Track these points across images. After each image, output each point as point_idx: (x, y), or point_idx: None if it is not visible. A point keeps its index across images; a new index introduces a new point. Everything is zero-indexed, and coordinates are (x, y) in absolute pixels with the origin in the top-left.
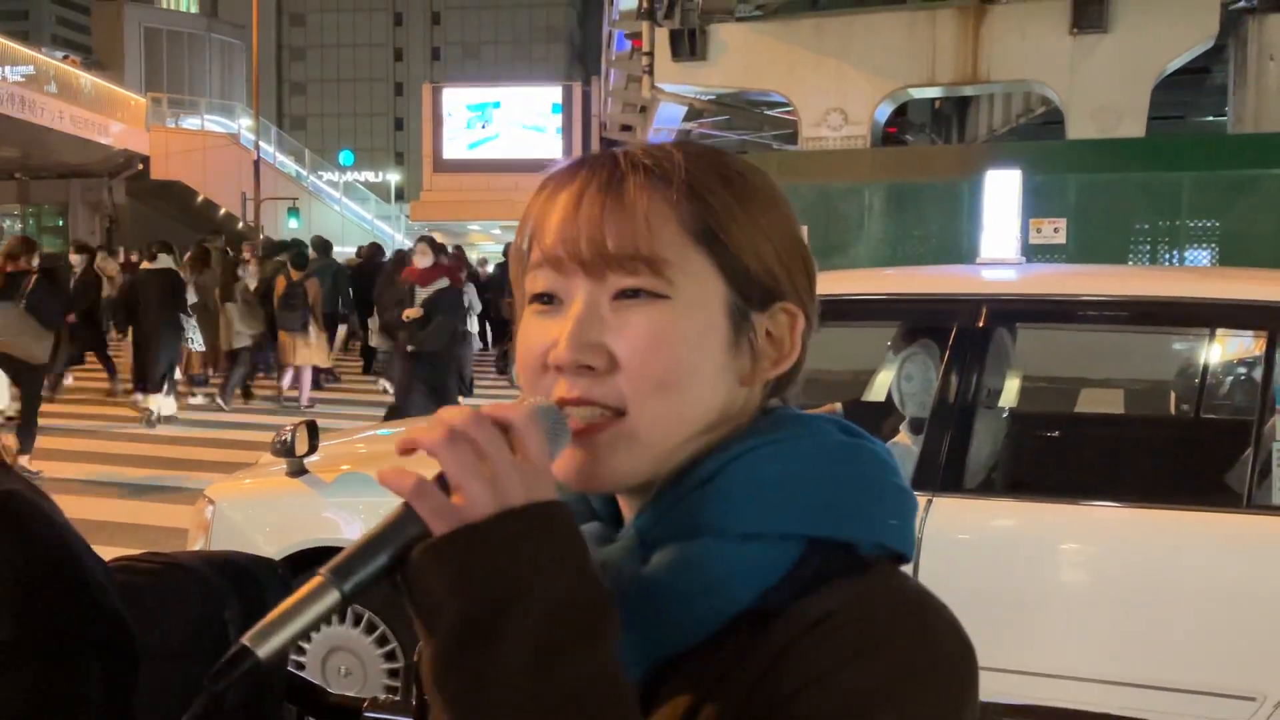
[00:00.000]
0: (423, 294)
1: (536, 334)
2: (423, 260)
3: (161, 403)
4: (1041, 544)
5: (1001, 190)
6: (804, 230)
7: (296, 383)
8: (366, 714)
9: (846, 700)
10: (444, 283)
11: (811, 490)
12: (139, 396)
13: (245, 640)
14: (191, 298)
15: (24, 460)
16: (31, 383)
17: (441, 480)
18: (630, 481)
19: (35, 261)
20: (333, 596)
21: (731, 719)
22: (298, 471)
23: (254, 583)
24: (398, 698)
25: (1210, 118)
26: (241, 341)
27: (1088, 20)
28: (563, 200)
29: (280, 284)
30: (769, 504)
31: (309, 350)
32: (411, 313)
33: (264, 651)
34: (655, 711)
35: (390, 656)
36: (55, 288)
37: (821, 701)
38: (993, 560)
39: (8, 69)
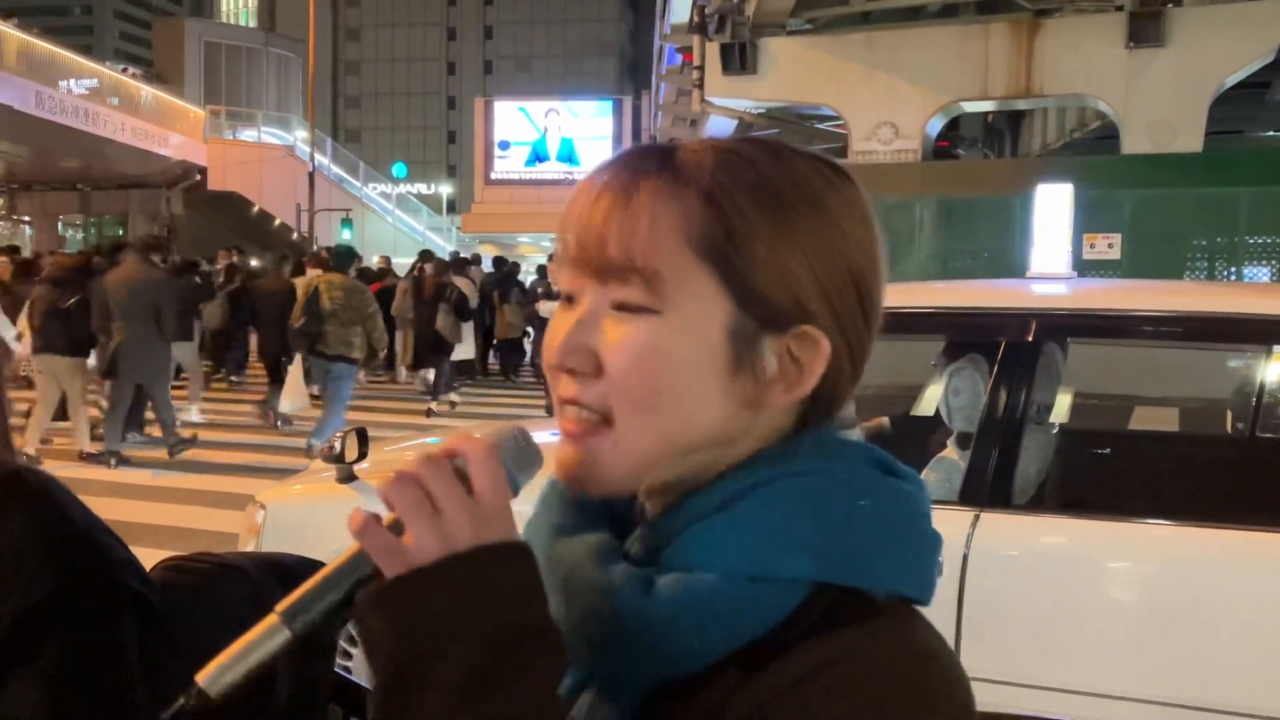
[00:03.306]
0: None
1: (553, 330)
2: None
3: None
4: (1091, 561)
5: (1053, 204)
6: (877, 249)
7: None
8: None
9: None
10: None
11: (827, 535)
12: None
13: (199, 679)
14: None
15: (434, 405)
16: (444, 359)
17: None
18: (618, 489)
19: (451, 275)
20: (283, 635)
21: None
22: (347, 478)
23: (301, 582)
24: None
25: (1271, 132)
26: (514, 332)
27: (1144, 34)
28: (590, 196)
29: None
30: (780, 547)
31: None
32: None
33: (215, 690)
34: None
35: None
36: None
37: None
38: (1041, 576)
39: (72, 82)
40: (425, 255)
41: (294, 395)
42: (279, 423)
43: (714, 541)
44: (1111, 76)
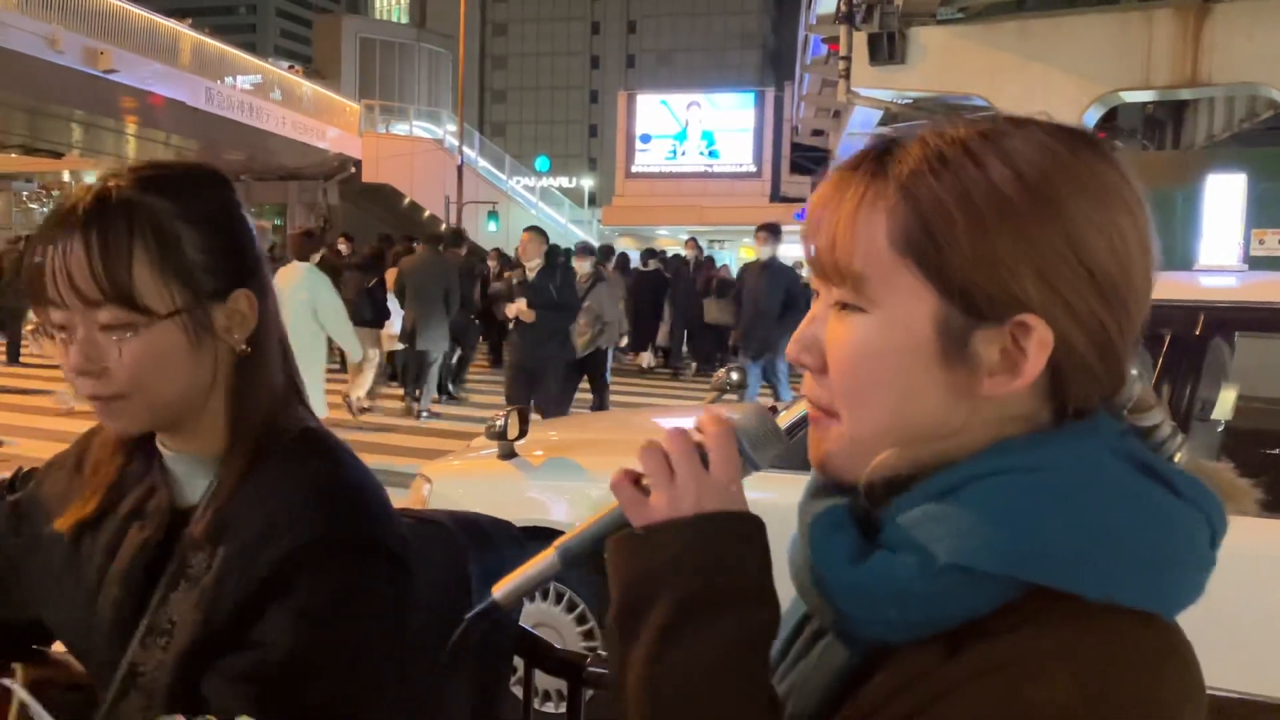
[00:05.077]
0: None
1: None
2: None
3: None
4: (1260, 560)
5: (1224, 195)
6: (1127, 229)
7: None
8: (590, 669)
9: None
10: None
11: (1037, 534)
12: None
13: (495, 592)
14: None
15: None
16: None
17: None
18: (849, 475)
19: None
20: (555, 564)
21: None
22: (508, 454)
23: (492, 542)
24: None
25: None
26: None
27: None
28: (816, 197)
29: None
30: (982, 542)
31: None
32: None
33: (506, 600)
34: (862, 690)
35: (589, 636)
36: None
37: None
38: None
39: (239, 78)
40: (649, 253)
41: None
42: None
43: (924, 525)
44: None
